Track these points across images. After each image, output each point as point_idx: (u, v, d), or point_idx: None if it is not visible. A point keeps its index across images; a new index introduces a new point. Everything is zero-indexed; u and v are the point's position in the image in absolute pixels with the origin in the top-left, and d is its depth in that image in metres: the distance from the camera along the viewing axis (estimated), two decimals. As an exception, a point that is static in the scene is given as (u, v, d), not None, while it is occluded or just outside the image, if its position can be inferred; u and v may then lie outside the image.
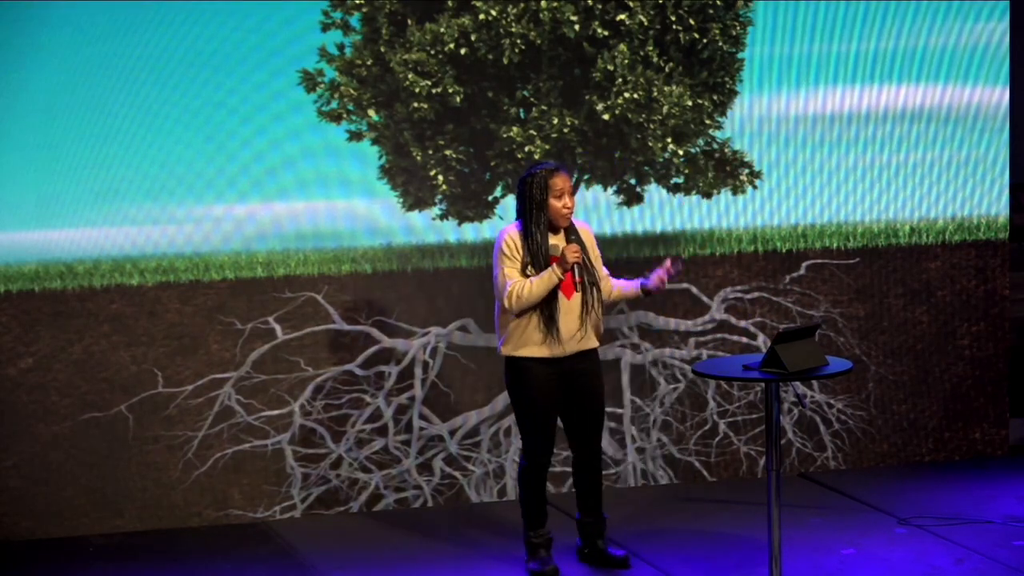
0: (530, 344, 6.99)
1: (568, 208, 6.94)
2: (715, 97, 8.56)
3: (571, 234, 7.02)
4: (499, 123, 8.30)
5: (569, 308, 6.97)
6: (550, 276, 6.86)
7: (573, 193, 6.98)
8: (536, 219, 6.93)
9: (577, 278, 6.99)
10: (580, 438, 7.17)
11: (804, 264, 8.87)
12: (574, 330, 6.98)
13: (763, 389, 8.20)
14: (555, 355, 6.99)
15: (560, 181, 6.92)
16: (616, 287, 7.19)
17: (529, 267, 6.93)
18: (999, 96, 8.99)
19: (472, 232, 8.41)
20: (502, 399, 8.51)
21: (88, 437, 8.06)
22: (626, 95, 8.29)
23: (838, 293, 8.92)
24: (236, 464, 8.23)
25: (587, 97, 8.33)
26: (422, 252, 8.38)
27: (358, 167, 8.27)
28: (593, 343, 7.08)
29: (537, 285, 6.86)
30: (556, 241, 7.00)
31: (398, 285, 8.37)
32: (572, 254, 6.84)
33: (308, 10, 8.11)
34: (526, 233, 6.94)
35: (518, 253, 6.92)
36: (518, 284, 6.88)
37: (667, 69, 8.39)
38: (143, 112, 7.98)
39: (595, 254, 7.11)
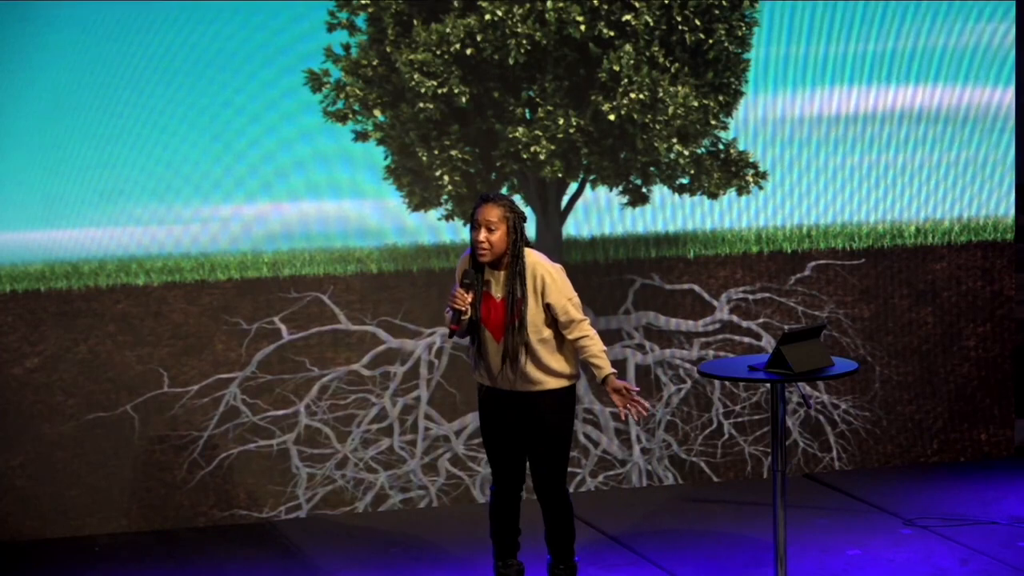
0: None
1: (481, 242, 6.36)
2: (721, 97, 8.56)
3: (510, 275, 6.42)
4: (505, 123, 8.30)
5: (496, 350, 6.49)
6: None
7: (491, 226, 6.36)
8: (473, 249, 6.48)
9: (492, 322, 6.47)
10: (533, 475, 6.69)
11: (809, 265, 8.87)
12: (500, 372, 6.54)
13: (768, 390, 8.21)
14: (496, 386, 6.57)
15: (483, 213, 6.35)
16: (583, 347, 6.50)
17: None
18: (1005, 96, 8.99)
19: (477, 232, 8.41)
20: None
21: (93, 437, 8.06)
22: (632, 95, 8.28)
23: (843, 294, 8.92)
24: (242, 464, 8.23)
25: (593, 97, 8.33)
26: (427, 252, 8.38)
27: (364, 167, 8.27)
28: (531, 387, 6.51)
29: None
30: (491, 277, 6.50)
31: (404, 285, 8.37)
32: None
33: (314, 10, 8.11)
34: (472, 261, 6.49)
35: (456, 278, 6.52)
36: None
37: (673, 69, 8.39)
38: (148, 111, 7.98)
39: (554, 299, 6.45)
